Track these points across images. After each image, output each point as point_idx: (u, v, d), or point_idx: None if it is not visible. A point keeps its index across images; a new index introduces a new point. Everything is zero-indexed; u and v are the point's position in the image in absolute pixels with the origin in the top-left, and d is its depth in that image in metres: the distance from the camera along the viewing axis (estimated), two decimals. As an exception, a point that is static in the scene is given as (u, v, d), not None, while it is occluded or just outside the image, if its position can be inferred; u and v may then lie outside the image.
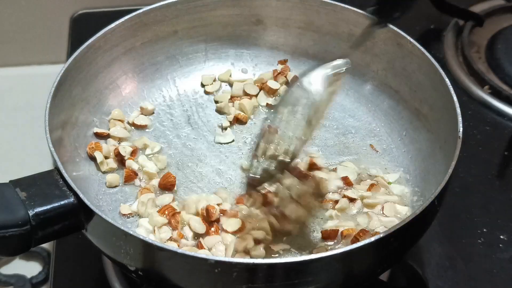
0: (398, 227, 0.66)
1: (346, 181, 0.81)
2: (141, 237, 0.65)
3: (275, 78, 0.92)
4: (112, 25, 0.86)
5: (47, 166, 0.73)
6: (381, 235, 0.65)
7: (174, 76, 0.92)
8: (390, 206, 0.79)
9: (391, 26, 0.86)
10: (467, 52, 1.08)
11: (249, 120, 0.89)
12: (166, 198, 0.80)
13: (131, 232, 0.65)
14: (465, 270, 0.84)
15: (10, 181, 0.69)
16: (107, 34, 0.85)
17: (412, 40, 0.84)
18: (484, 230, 0.87)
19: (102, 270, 0.84)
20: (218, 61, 0.94)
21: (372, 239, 0.65)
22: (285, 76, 0.92)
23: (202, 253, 0.72)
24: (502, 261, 0.85)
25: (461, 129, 0.74)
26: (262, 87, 0.92)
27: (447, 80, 0.79)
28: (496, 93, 1.03)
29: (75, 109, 0.82)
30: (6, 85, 1.22)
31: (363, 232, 0.75)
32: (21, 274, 0.94)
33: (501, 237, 0.87)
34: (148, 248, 0.65)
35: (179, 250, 0.64)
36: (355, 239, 0.74)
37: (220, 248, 0.74)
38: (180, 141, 0.86)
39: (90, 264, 0.86)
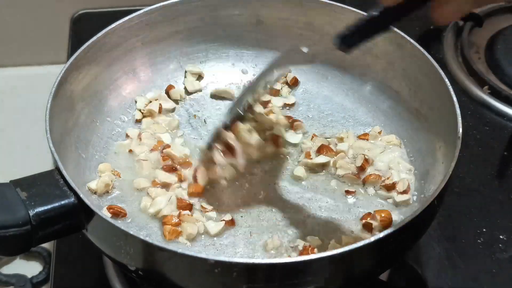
0: (398, 227, 0.66)
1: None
2: (141, 237, 0.65)
3: (275, 78, 0.92)
4: (113, 25, 0.86)
5: (48, 166, 0.73)
6: (381, 235, 0.65)
7: (175, 76, 0.92)
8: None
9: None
10: (466, 52, 1.08)
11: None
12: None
13: (131, 232, 0.65)
14: (464, 270, 0.84)
15: (11, 181, 0.69)
16: (107, 34, 0.85)
17: (412, 40, 0.84)
18: (484, 230, 0.87)
19: (102, 270, 0.84)
20: (219, 61, 0.94)
21: (372, 239, 0.65)
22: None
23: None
24: (502, 261, 0.85)
25: (460, 129, 0.74)
26: (263, 87, 0.92)
27: (446, 80, 0.79)
28: (496, 93, 1.03)
29: (76, 110, 0.82)
30: (6, 85, 1.22)
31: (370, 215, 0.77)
32: (22, 274, 0.94)
33: (501, 237, 0.87)
34: (148, 248, 0.65)
35: (179, 250, 0.64)
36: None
37: None
38: (180, 141, 0.86)
39: (90, 264, 0.86)
